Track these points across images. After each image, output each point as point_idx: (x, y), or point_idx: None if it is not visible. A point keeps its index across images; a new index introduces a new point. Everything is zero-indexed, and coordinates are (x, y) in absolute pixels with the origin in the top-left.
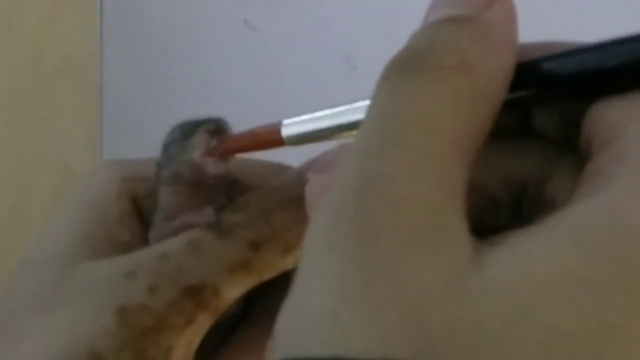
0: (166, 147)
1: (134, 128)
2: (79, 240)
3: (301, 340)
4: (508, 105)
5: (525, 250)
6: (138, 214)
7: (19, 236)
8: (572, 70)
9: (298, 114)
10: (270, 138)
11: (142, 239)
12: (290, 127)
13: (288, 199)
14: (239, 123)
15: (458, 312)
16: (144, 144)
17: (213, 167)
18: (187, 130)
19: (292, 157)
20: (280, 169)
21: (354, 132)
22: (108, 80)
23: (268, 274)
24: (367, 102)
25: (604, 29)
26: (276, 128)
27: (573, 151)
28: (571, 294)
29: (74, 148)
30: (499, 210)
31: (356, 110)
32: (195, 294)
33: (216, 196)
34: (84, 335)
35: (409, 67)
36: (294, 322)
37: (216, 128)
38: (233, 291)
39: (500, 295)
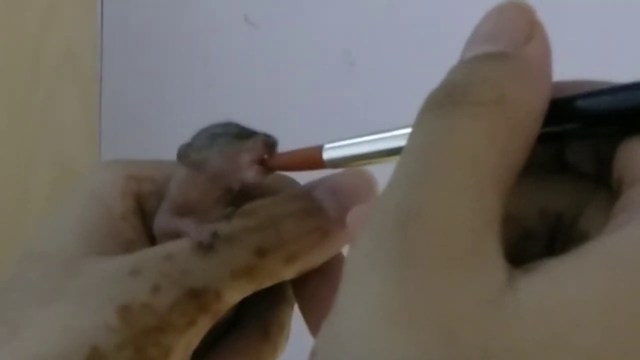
0: (213, 135)
1: (133, 122)
2: (83, 235)
3: (341, 356)
4: (542, 139)
5: (559, 277)
6: (141, 213)
7: (17, 231)
8: (605, 108)
9: (296, 111)
10: (312, 160)
11: (145, 238)
12: (332, 150)
13: (297, 211)
14: (238, 119)
15: (493, 334)
16: (144, 138)
17: (255, 175)
18: (243, 132)
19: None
20: (286, 180)
21: (393, 158)
22: (108, 75)
23: (268, 282)
24: (405, 130)
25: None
26: (318, 151)
27: (605, 185)
28: (603, 319)
29: (73, 142)
30: (534, 241)
31: (395, 137)
32: (198, 297)
33: (224, 200)
34: (85, 330)
35: (449, 101)
36: (334, 340)
37: (272, 143)
38: (234, 296)
39: (534, 319)
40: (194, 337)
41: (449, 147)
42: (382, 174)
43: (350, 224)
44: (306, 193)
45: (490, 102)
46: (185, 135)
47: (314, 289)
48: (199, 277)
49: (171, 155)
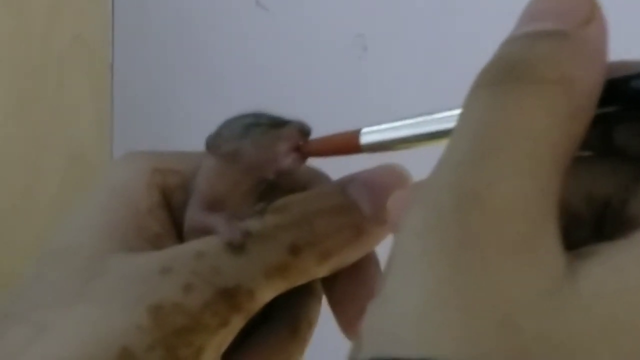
0: (246, 125)
1: (145, 108)
2: (108, 230)
3: (391, 340)
4: (593, 122)
5: (619, 263)
6: (167, 206)
7: (28, 219)
8: None
9: (308, 96)
10: (349, 145)
11: (172, 233)
12: (369, 135)
13: (331, 207)
14: (249, 104)
15: (553, 323)
16: (155, 124)
17: (292, 163)
18: (276, 121)
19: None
20: (317, 175)
21: (433, 142)
22: (119, 62)
23: (300, 281)
24: (446, 113)
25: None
26: (355, 135)
27: None
28: None
29: (84, 130)
30: (581, 226)
31: (437, 120)
32: (230, 296)
33: (255, 192)
34: (115, 330)
35: (508, 77)
36: (383, 322)
37: (306, 130)
38: (266, 295)
39: (596, 306)
40: (225, 336)
41: (509, 126)
42: (413, 163)
43: (392, 209)
44: (339, 189)
45: (551, 81)
46: (197, 122)
47: (345, 286)
48: (231, 276)
49: (182, 142)
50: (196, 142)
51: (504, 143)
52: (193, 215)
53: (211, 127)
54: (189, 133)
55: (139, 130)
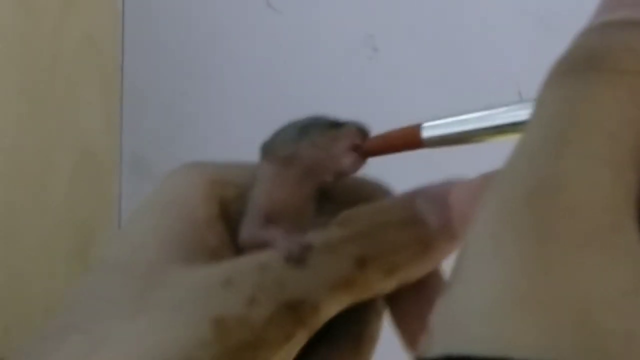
0: (303, 127)
1: (155, 108)
2: (165, 242)
3: (463, 336)
4: None
5: None
6: (225, 218)
7: (38, 217)
8: None
9: (318, 96)
10: (410, 140)
11: (229, 245)
12: (431, 129)
13: (398, 220)
14: (260, 105)
15: (638, 320)
16: (165, 125)
17: (353, 163)
18: (333, 122)
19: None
20: (380, 188)
21: (498, 136)
22: (129, 61)
23: (366, 295)
24: (513, 107)
25: None
26: (416, 130)
27: None
28: None
29: (94, 128)
30: None
31: (502, 113)
32: (294, 310)
33: (313, 200)
34: (177, 344)
35: (586, 67)
36: (456, 318)
37: (365, 129)
38: (331, 309)
39: None
40: (289, 352)
41: (588, 117)
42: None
43: (456, 202)
44: (406, 202)
45: (632, 72)
46: (206, 122)
47: (410, 301)
48: (295, 290)
49: (191, 142)
50: (205, 142)
51: (583, 133)
52: (250, 228)
53: (219, 126)
54: (198, 133)
55: (148, 130)
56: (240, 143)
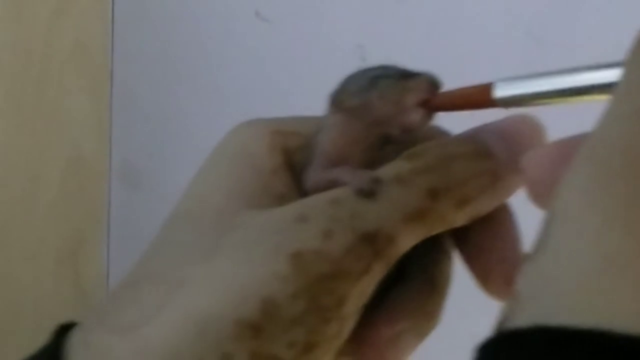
0: (373, 78)
1: (144, 115)
2: (234, 191)
3: (556, 306)
4: None
5: None
6: (290, 167)
7: (27, 224)
8: None
9: (308, 106)
10: (481, 98)
11: (296, 193)
12: (504, 88)
13: (468, 152)
14: (248, 114)
15: None
16: (154, 131)
17: (421, 118)
18: (405, 73)
19: None
20: (441, 132)
21: (575, 99)
22: (119, 67)
23: (438, 227)
24: (592, 69)
25: None
26: (488, 88)
27: None
28: None
29: (84, 134)
30: None
31: (581, 75)
32: (371, 241)
33: (378, 150)
34: (255, 281)
35: None
36: (548, 286)
37: (437, 82)
38: (406, 241)
39: None
40: (367, 285)
41: None
42: None
43: (527, 167)
44: (473, 135)
45: None
46: (195, 128)
47: (480, 237)
48: (370, 221)
49: (181, 148)
50: (194, 148)
51: None
52: (315, 172)
53: (209, 134)
54: (188, 140)
55: (138, 136)
56: None
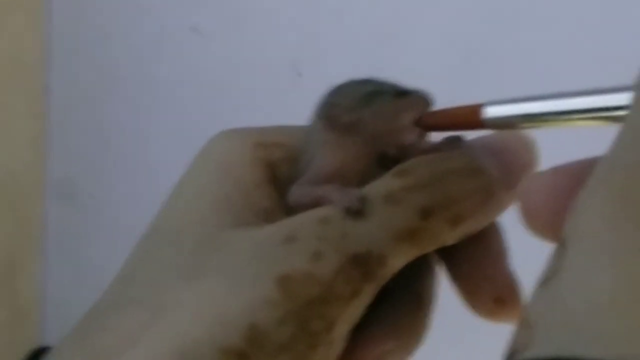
0: (369, 94)
1: (80, 130)
2: (216, 207)
3: (577, 335)
4: None
5: None
6: (274, 180)
7: None
8: None
9: (243, 121)
10: (470, 119)
11: (281, 207)
12: (495, 108)
13: (460, 169)
14: (186, 127)
15: None
16: (91, 147)
17: (414, 136)
18: (400, 90)
19: None
20: (434, 145)
21: (567, 123)
22: (55, 83)
23: (431, 247)
24: (589, 93)
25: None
26: (477, 109)
27: None
28: None
29: (19, 151)
30: None
31: (574, 99)
32: (361, 263)
33: (373, 169)
34: (241, 307)
35: None
36: (565, 313)
37: (429, 100)
38: (397, 262)
39: None
40: (357, 308)
41: None
42: None
43: (523, 196)
44: (466, 151)
45: None
46: (133, 144)
47: (469, 254)
48: (361, 241)
49: (118, 164)
50: (132, 163)
51: None
52: (302, 187)
53: (146, 149)
54: (125, 156)
55: (74, 153)
56: (167, 165)
